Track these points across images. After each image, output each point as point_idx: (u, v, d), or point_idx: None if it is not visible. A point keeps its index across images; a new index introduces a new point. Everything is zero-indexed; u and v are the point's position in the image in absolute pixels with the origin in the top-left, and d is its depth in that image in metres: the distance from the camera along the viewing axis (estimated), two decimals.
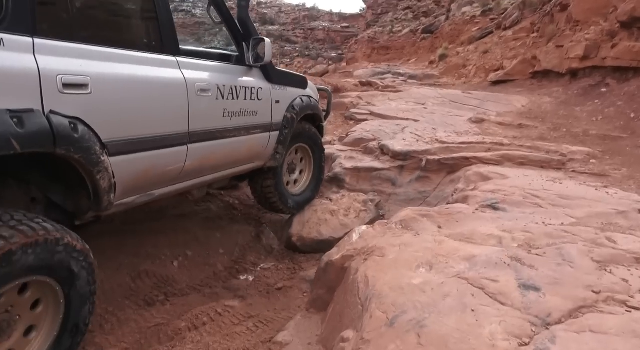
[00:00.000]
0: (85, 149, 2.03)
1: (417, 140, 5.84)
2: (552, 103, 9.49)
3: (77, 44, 2.12)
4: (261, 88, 3.43)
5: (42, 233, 1.82)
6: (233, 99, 3.08)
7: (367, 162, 5.78)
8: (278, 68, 3.83)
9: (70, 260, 1.96)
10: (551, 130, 7.14)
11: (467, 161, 4.93)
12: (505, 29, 17.81)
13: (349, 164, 5.78)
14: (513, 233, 2.60)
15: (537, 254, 2.29)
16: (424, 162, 5.22)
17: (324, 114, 4.87)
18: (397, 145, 5.70)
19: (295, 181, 4.43)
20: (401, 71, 22.27)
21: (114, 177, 2.24)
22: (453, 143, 5.44)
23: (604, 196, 3.53)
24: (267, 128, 3.54)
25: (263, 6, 67.64)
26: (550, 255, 2.28)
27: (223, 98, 2.97)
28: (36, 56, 1.90)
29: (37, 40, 1.92)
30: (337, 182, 5.59)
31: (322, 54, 49.34)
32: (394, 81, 18.61)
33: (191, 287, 3.32)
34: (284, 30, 60.66)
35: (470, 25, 22.99)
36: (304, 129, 4.22)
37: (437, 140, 5.71)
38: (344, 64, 31.07)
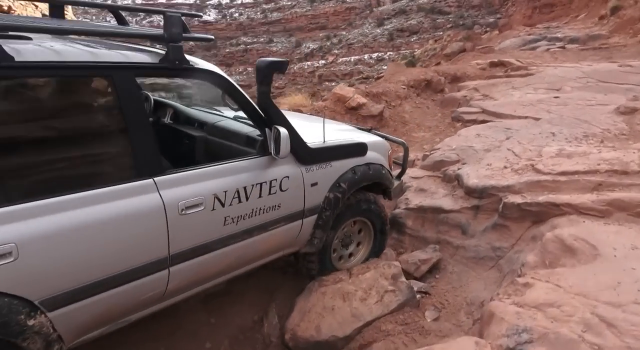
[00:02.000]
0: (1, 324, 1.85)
1: (505, 166, 4.39)
2: None
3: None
4: (287, 177, 2.88)
5: None
6: (240, 202, 2.62)
7: (437, 198, 4.54)
8: (320, 145, 3.13)
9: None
10: None
11: (558, 209, 3.44)
12: None
13: (415, 201, 4.63)
14: None
15: None
16: (500, 207, 3.84)
17: (399, 171, 4.08)
18: (474, 175, 4.34)
19: (350, 255, 3.77)
20: (560, 35, 19.00)
21: (54, 331, 2.03)
22: (551, 172, 3.89)
23: None
24: (296, 216, 3.03)
25: None
26: None
27: (223, 206, 2.54)
28: None
29: None
30: (397, 226, 4.50)
31: (478, 21, 45.42)
32: (548, 49, 15.85)
33: None
34: (435, 1, 57.35)
35: None
36: (361, 201, 3.54)
37: (532, 165, 4.18)
38: (495, 32, 27.85)
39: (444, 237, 4.16)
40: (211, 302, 3.55)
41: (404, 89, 8.39)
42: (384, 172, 3.62)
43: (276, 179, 2.82)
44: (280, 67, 2.70)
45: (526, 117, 6.71)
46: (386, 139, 4.10)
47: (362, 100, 7.08)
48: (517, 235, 3.67)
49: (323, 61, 66.46)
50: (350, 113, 7.03)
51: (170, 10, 2.40)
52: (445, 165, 5.11)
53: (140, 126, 2.24)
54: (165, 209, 2.27)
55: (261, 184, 2.73)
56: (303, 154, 2.97)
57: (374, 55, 62.19)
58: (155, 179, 2.28)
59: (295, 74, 66.02)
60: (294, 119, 4.19)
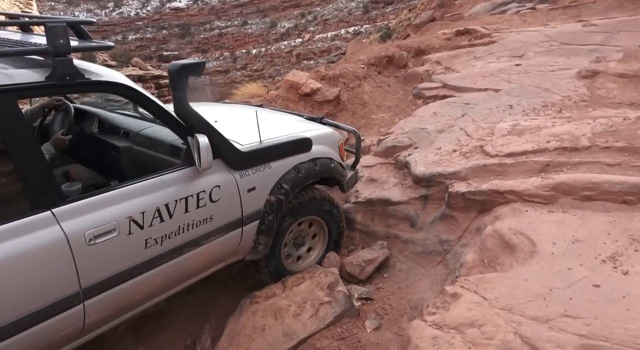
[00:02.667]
0: None
1: (454, 150, 4.12)
2: None
3: None
4: (218, 186, 2.65)
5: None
6: (162, 221, 2.39)
7: (387, 188, 4.28)
8: (254, 146, 2.89)
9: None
10: None
11: (502, 196, 3.19)
12: None
13: (365, 193, 4.36)
14: None
15: None
16: (446, 196, 3.59)
17: (353, 161, 3.89)
18: (422, 162, 4.07)
19: (309, 250, 3.60)
20: None
21: None
22: (498, 154, 3.63)
23: None
24: (234, 225, 2.81)
25: None
26: None
27: (142, 228, 2.31)
28: None
29: None
30: (347, 221, 4.24)
31: None
32: (518, 11, 15.44)
33: None
34: None
35: None
36: (310, 198, 3.34)
37: (481, 147, 3.92)
38: None
39: (393, 231, 3.92)
40: (141, 328, 3.30)
41: (363, 68, 8.06)
42: (333, 165, 3.39)
43: (204, 191, 2.57)
44: (194, 70, 2.42)
45: (486, 89, 6.44)
46: (337, 127, 3.86)
47: (317, 85, 6.75)
48: (464, 227, 3.42)
49: (300, 40, 65.32)
50: (305, 100, 6.70)
51: (53, 19, 2.10)
52: (398, 151, 4.83)
53: (27, 155, 1.98)
54: (68, 242, 2.04)
55: (186, 198, 2.49)
56: (234, 159, 2.74)
57: (351, 29, 61.19)
58: (54, 210, 2.05)
59: (273, 55, 64.97)
60: (235, 114, 3.89)
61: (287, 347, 2.77)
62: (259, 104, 5.06)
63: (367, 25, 58.40)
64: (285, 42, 65.86)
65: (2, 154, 1.95)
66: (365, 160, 5.10)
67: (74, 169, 3.18)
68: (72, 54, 2.07)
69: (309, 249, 3.61)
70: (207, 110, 3.93)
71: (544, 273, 2.19)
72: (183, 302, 3.52)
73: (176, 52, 66.67)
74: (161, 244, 2.42)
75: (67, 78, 2.05)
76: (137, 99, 2.46)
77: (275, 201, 2.97)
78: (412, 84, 8.35)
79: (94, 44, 2.39)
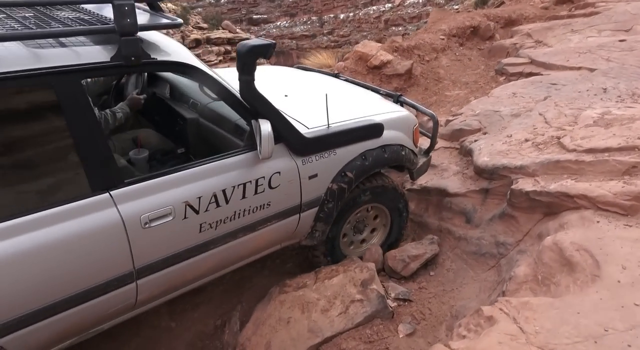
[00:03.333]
0: None
1: (527, 139, 3.64)
2: None
3: None
4: (278, 173, 2.55)
5: None
6: (218, 206, 2.35)
7: (446, 177, 3.92)
8: (320, 131, 2.71)
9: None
10: None
11: (571, 200, 2.74)
12: None
13: (421, 180, 4.03)
14: None
15: None
16: (508, 193, 3.19)
17: (428, 146, 3.59)
18: (487, 150, 3.65)
19: (364, 240, 3.44)
20: None
21: None
22: (577, 149, 3.14)
23: None
24: (292, 212, 2.74)
25: None
26: None
27: (198, 213, 2.28)
28: None
29: None
30: None
31: None
32: None
33: None
34: None
35: None
36: (376, 187, 3.15)
37: (558, 138, 3.42)
38: None
39: (447, 225, 3.59)
40: (176, 303, 3.30)
41: (443, 39, 7.49)
42: (404, 153, 3.16)
43: (264, 177, 2.49)
44: (263, 52, 2.29)
45: (579, 68, 5.72)
46: (415, 108, 3.58)
47: (388, 57, 6.35)
48: (525, 230, 3.03)
49: (389, 5, 63.18)
50: (373, 72, 6.33)
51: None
52: (465, 135, 4.42)
53: (90, 137, 2.00)
54: (124, 225, 2.07)
55: (244, 184, 2.43)
56: (297, 145, 2.61)
57: None
58: (112, 192, 2.06)
59: (361, 20, 63.57)
60: (308, 86, 3.75)
61: (310, 344, 2.62)
62: (335, 72, 4.75)
63: None
64: (374, 7, 64.09)
65: (66, 137, 1.97)
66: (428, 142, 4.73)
67: (144, 134, 3.22)
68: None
69: (364, 240, 3.44)
70: (281, 80, 3.85)
71: (602, 306, 1.82)
72: (219, 280, 3.48)
73: (265, 16, 67.35)
74: (215, 229, 2.40)
75: (132, 59, 2.01)
76: (202, 79, 2.43)
77: (337, 189, 2.82)
78: (497, 58, 7.65)
79: (162, 22, 2.28)
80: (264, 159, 2.39)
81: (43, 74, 1.84)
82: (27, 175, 2.01)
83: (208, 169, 2.33)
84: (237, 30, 45.52)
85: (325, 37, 63.68)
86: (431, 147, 3.62)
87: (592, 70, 5.50)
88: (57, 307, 1.99)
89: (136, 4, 1.97)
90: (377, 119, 3.00)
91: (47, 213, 1.89)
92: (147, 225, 2.13)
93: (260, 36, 61.28)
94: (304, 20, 66.92)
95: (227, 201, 2.38)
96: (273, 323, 2.76)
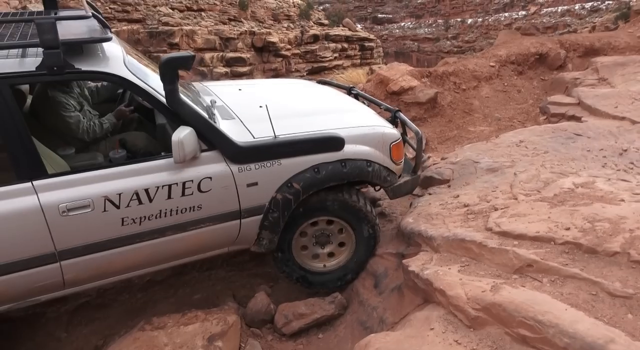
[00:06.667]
0: None
1: (467, 204, 3.18)
2: None
3: None
4: (209, 178, 2.69)
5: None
6: (141, 203, 2.57)
7: (384, 230, 3.59)
8: (270, 139, 2.83)
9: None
10: None
11: (436, 294, 2.35)
12: None
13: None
14: None
15: None
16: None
17: (414, 166, 3.48)
18: (418, 211, 3.28)
19: (332, 255, 3.34)
20: None
21: None
22: (492, 228, 2.66)
23: None
24: (229, 217, 2.83)
25: None
26: None
27: (118, 208, 2.53)
28: None
29: None
30: None
31: None
32: None
33: None
34: None
35: None
36: (333, 200, 3.09)
37: (494, 209, 2.95)
38: None
39: (358, 285, 3.30)
40: (78, 314, 3.44)
41: (493, 66, 6.85)
42: (370, 168, 3.08)
43: (192, 180, 2.64)
44: (183, 63, 2.48)
45: (622, 118, 4.94)
46: (405, 124, 3.54)
47: (411, 83, 5.94)
48: (404, 313, 2.68)
49: (523, 12, 59.13)
50: (392, 98, 5.97)
51: (43, 18, 2.29)
52: (433, 184, 4.01)
53: (16, 136, 2.35)
54: (43, 210, 2.37)
55: (170, 185, 2.60)
56: (230, 152, 2.72)
57: (587, 5, 52.79)
58: (34, 182, 2.38)
59: (489, 27, 60.31)
60: (294, 100, 3.85)
61: None
62: (351, 85, 4.60)
63: (610, 1, 49.69)
64: (506, 14, 60.44)
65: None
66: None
67: (131, 137, 3.40)
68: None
69: (333, 254, 3.34)
70: (275, 92, 4.05)
71: None
72: (128, 299, 3.57)
73: (390, 16, 66.86)
74: (140, 224, 2.59)
75: (55, 68, 2.31)
76: (131, 88, 2.65)
77: (282, 199, 2.85)
78: (556, 92, 6.82)
79: (83, 38, 2.53)
80: (177, 163, 2.53)
81: None
82: None
83: (131, 169, 2.57)
84: (357, 28, 45.80)
85: (448, 42, 61.59)
86: (417, 166, 3.49)
87: (634, 122, 4.69)
88: None
89: (90, 20, 2.51)
90: (341, 133, 2.98)
91: None
92: (64, 214, 2.40)
93: (382, 36, 60.81)
94: (429, 22, 65.28)
95: (150, 200, 2.56)
96: None
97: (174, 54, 2.51)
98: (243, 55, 28.03)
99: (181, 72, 2.66)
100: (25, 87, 3.38)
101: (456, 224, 2.92)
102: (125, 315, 3.42)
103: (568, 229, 2.55)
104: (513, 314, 1.99)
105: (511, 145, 4.46)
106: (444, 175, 4.01)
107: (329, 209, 3.10)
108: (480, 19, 62.03)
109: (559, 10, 55.81)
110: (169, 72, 2.45)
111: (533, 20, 56.36)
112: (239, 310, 3.19)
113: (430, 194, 3.69)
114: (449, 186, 3.81)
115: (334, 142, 2.95)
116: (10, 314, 3.38)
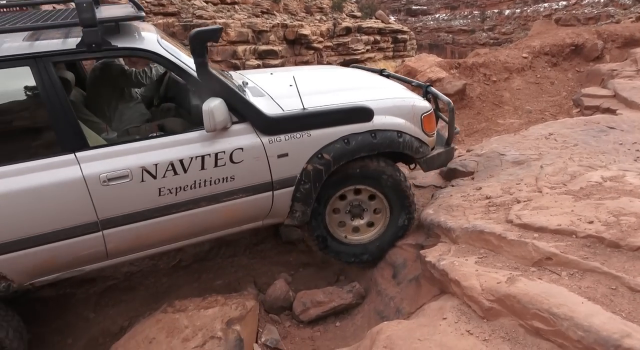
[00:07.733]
0: None
1: (489, 196, 3.14)
2: None
3: None
4: (241, 149, 2.77)
5: None
6: (176, 174, 2.68)
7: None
8: (298, 111, 2.89)
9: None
10: None
11: (451, 284, 2.33)
12: None
13: None
14: None
15: None
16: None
17: (447, 137, 3.50)
18: (439, 202, 3.25)
19: (372, 224, 3.35)
20: None
21: None
22: (513, 221, 2.62)
23: None
24: (261, 189, 2.90)
25: None
26: None
27: (155, 178, 2.65)
28: None
29: None
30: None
31: None
32: None
33: None
34: None
35: None
36: (366, 169, 3.12)
37: (516, 202, 2.90)
38: None
39: (376, 275, 3.30)
40: (106, 295, 3.57)
41: (526, 57, 6.67)
42: (401, 139, 3.09)
43: (224, 152, 2.72)
44: (212, 36, 2.58)
45: None
46: (436, 97, 3.58)
47: (439, 74, 5.86)
48: (420, 303, 2.67)
49: (564, 2, 57.18)
50: (417, 91, 5.89)
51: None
52: (457, 176, 3.97)
53: (60, 110, 2.51)
54: (85, 180, 2.52)
55: (203, 156, 2.69)
56: (261, 124, 2.80)
57: None
58: (77, 153, 2.54)
59: (528, 18, 58.49)
60: (321, 78, 3.99)
61: None
62: (382, 69, 4.60)
63: None
64: (545, 4, 58.53)
65: (42, 108, 2.55)
66: (427, 176, 4.34)
67: (169, 122, 3.48)
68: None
69: (370, 224, 3.35)
70: (307, 74, 4.14)
71: None
72: (153, 283, 3.68)
73: (425, 7, 65.76)
74: (176, 194, 2.70)
75: (93, 46, 2.46)
76: (164, 64, 2.74)
77: (313, 170, 2.90)
78: (592, 84, 6.60)
79: (122, 15, 2.71)
80: (209, 132, 2.62)
81: (30, 57, 2.42)
82: (15, 137, 2.71)
83: (166, 141, 2.69)
84: (390, 20, 45.24)
85: (484, 34, 60.11)
86: (449, 138, 3.49)
87: None
88: (36, 240, 2.49)
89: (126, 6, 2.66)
90: (370, 104, 3.00)
91: (28, 164, 2.45)
92: (105, 183, 2.53)
93: (416, 28, 59.97)
94: (465, 14, 63.85)
95: (185, 170, 2.67)
96: (140, 339, 2.84)
97: (202, 27, 2.59)
98: (275, 48, 28.17)
99: (215, 65, 2.74)
100: (71, 76, 3.51)
101: (476, 216, 2.89)
102: (151, 298, 3.53)
103: (591, 222, 2.48)
104: (527, 306, 1.96)
105: (540, 137, 4.36)
106: (468, 168, 3.96)
107: (381, 182, 3.14)
108: (519, 10, 60.28)
109: (602, 0, 53.67)
110: (198, 45, 2.54)
111: (574, 11, 54.33)
112: (258, 296, 3.25)
113: (452, 185, 3.65)
114: (473, 178, 3.76)
115: (362, 113, 2.98)
116: (43, 294, 3.57)
